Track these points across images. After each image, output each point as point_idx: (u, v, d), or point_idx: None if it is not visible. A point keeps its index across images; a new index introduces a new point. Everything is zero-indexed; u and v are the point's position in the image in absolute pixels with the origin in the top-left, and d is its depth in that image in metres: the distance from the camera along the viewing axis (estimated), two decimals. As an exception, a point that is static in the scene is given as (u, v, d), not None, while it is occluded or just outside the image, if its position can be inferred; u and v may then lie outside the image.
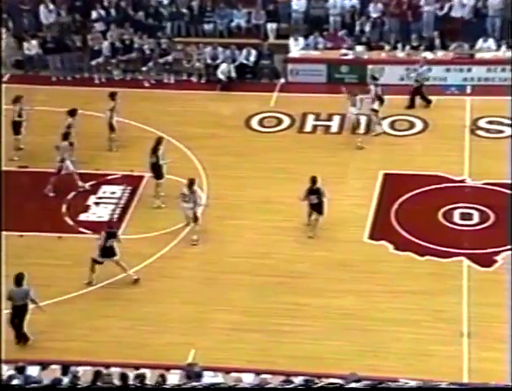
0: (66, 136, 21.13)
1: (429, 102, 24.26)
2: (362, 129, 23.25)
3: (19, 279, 16.79)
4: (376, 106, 22.99)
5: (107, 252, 18.20)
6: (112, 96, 22.44)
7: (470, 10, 26.43)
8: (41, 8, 27.17)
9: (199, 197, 19.75)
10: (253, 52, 26.14)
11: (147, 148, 21.93)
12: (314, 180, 19.37)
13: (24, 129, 22.42)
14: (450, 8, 26.60)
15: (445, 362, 16.39)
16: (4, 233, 19.63)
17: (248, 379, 15.10)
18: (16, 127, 22.39)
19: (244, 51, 26.15)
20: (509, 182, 20.71)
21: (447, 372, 15.78)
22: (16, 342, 16.83)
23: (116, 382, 14.15)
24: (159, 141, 20.84)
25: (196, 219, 19.55)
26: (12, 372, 14.51)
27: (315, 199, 19.38)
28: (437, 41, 26.19)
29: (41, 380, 14.32)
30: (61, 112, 22.57)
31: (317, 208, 19.47)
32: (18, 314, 16.86)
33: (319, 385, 13.31)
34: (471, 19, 26.45)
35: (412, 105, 24.20)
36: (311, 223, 19.59)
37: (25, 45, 26.50)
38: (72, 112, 21.98)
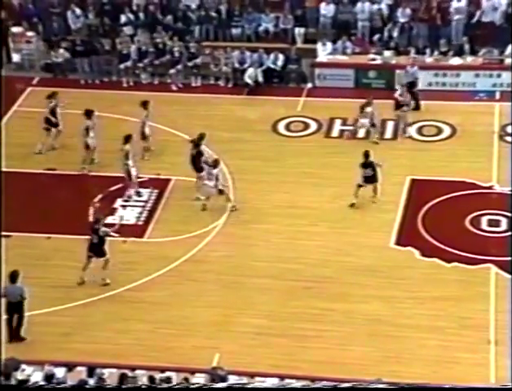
0: (127, 139, 20.96)
1: (418, 107, 24.09)
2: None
3: (13, 276, 16.85)
4: (404, 109, 23.10)
5: (93, 248, 18.30)
6: (145, 105, 22.43)
7: (502, 16, 26.24)
8: (69, 14, 27.38)
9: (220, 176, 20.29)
10: (281, 56, 26.14)
11: (174, 152, 22.13)
12: (367, 154, 20.38)
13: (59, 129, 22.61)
14: (481, 15, 26.37)
15: (471, 369, 16.28)
16: (32, 235, 19.79)
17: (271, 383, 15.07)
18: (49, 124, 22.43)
19: (272, 56, 26.16)
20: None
21: (473, 380, 15.64)
22: (9, 341, 16.80)
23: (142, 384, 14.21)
24: (201, 136, 21.12)
25: (221, 192, 20.03)
26: (39, 378, 14.59)
27: (369, 172, 20.31)
28: (466, 47, 26.03)
29: (65, 382, 14.40)
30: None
31: (372, 179, 20.37)
32: (13, 312, 16.91)
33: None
34: (502, 25, 26.26)
35: (417, 107, 24.10)
36: (373, 190, 20.54)
37: (52, 53, 26.73)
38: (89, 113, 21.98)
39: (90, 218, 19.83)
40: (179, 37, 26.47)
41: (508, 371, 15.98)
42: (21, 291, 16.90)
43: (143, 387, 13.45)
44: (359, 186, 20.44)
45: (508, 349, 16.47)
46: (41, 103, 23.63)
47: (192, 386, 12.85)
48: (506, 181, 21.13)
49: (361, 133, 23.52)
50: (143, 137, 22.36)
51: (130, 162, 20.85)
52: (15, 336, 17.00)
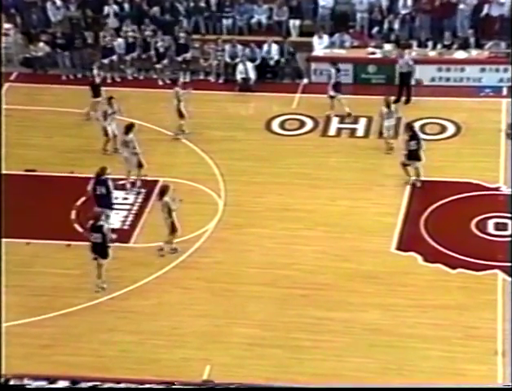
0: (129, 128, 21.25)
1: (408, 101, 24.52)
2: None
3: None
4: (332, 92, 23.79)
5: (97, 249, 18.32)
6: (109, 101, 22.57)
7: (510, 8, 26.34)
8: (48, 5, 27.44)
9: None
10: (275, 46, 26.14)
11: (162, 152, 22.18)
12: (410, 126, 21.26)
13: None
14: (489, 7, 26.43)
15: (478, 382, 16.32)
16: (10, 240, 19.80)
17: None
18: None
19: (265, 46, 26.19)
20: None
21: (479, 393, 15.77)
22: None
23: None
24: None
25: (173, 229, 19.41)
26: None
27: (414, 145, 20.80)
28: (471, 40, 26.14)
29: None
30: (71, 113, 22.82)
31: (415, 155, 20.85)
32: None
33: None
34: (509, 17, 26.36)
35: (408, 100, 24.51)
36: (415, 173, 21.14)
37: (31, 47, 26.79)
38: (109, 99, 22.54)
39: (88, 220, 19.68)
40: (168, 30, 26.53)
41: (516, 383, 16.12)
42: None
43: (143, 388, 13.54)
44: (405, 165, 20.99)
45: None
46: (20, 99, 23.70)
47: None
48: (514, 182, 21.30)
49: (361, 131, 23.65)
50: (106, 134, 22.47)
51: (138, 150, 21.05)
52: None
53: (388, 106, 22.51)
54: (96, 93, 23.72)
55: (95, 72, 24.33)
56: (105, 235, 18.34)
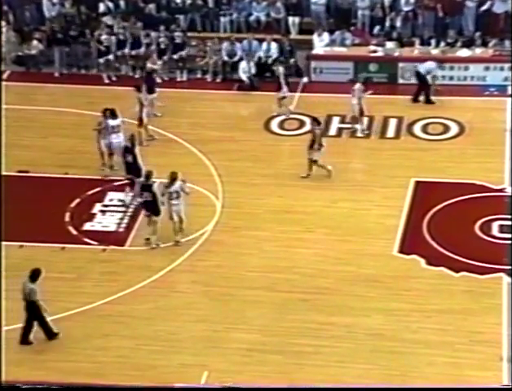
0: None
1: (416, 100, 24.67)
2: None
3: (32, 275, 17.16)
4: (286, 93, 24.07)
5: (149, 207, 19.38)
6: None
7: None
8: (44, 1, 27.43)
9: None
10: (274, 45, 26.12)
11: (158, 152, 22.16)
12: (314, 118, 21.75)
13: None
14: (492, 4, 26.48)
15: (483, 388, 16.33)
16: (3, 243, 19.77)
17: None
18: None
19: (264, 44, 26.17)
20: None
21: (484, 399, 15.76)
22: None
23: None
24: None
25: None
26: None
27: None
28: (477, 38, 26.10)
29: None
30: (65, 112, 22.78)
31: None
32: (26, 310, 17.23)
33: None
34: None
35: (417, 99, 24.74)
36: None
37: (24, 45, 26.77)
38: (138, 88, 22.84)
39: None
40: (160, 28, 26.51)
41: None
42: (30, 290, 17.06)
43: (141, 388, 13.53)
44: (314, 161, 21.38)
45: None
46: (13, 98, 23.66)
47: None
48: (519, 183, 21.31)
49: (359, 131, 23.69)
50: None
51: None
52: (22, 339, 17.30)
53: (363, 83, 23.07)
54: (151, 89, 23.56)
55: (150, 65, 24.40)
56: (155, 193, 19.11)
